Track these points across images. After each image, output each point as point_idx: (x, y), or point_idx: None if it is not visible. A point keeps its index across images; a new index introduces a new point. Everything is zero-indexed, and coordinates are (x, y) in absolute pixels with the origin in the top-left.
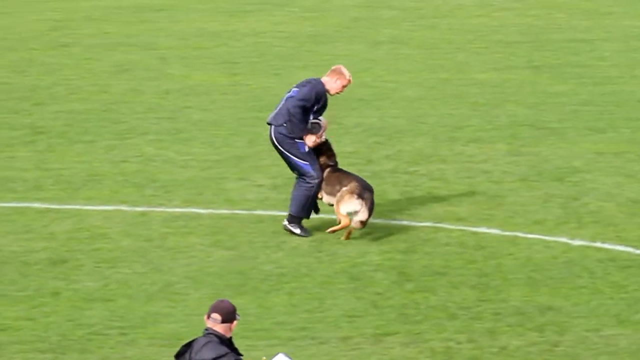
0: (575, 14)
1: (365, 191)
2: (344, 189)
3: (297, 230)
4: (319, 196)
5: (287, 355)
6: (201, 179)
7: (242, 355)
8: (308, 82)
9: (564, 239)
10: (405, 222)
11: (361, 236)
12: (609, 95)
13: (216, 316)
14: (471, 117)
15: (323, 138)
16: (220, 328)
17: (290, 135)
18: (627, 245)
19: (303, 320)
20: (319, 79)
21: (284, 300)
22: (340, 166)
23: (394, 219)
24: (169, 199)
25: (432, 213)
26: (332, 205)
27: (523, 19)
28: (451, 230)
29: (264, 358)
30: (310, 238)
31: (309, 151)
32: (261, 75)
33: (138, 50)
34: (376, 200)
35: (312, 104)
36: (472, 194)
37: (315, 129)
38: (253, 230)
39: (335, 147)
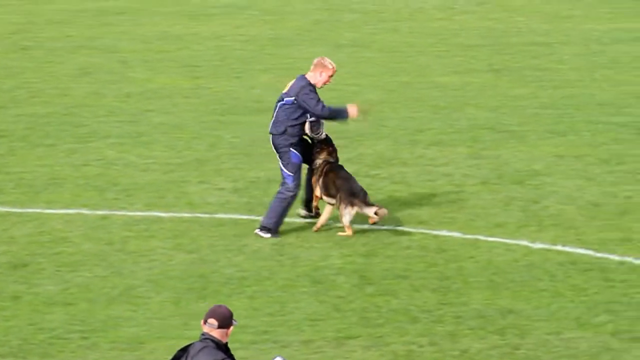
0: (535, 17)
1: (353, 198)
2: (338, 201)
3: (267, 235)
4: (318, 195)
5: (284, 358)
6: (162, 183)
7: None
8: (295, 83)
9: (524, 242)
10: (366, 226)
11: (323, 240)
12: (569, 99)
13: (213, 321)
14: (432, 120)
15: (323, 135)
16: (216, 333)
17: (288, 143)
18: (587, 248)
19: (265, 324)
20: (302, 75)
21: (246, 303)
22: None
23: (356, 223)
24: (131, 202)
25: (393, 216)
26: (332, 204)
27: (483, 23)
28: (412, 234)
29: None
30: (271, 241)
31: (297, 164)
32: (223, 79)
33: (100, 53)
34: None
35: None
36: (433, 197)
37: (315, 127)
38: (214, 233)
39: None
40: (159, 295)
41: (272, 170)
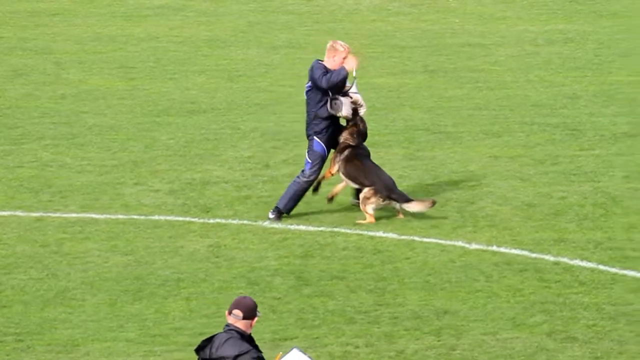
0: (469, 18)
1: (389, 191)
2: (368, 189)
3: (271, 215)
4: (332, 171)
5: (300, 349)
6: (98, 184)
7: (261, 352)
8: (311, 68)
9: (460, 243)
10: (303, 227)
11: (259, 241)
12: (503, 100)
13: (238, 312)
14: (368, 121)
15: (342, 113)
16: (241, 324)
17: (313, 131)
18: (522, 249)
19: (201, 326)
20: (317, 60)
21: (182, 305)
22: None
23: (292, 224)
24: (65, 204)
25: (330, 217)
26: (351, 185)
27: (418, 24)
28: (349, 235)
29: (280, 353)
30: (207, 243)
31: (318, 152)
32: (158, 80)
33: (33, 54)
34: (274, 205)
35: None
36: None
37: (334, 103)
38: (150, 235)
39: (235, 152)
40: (94, 297)
41: (207, 172)
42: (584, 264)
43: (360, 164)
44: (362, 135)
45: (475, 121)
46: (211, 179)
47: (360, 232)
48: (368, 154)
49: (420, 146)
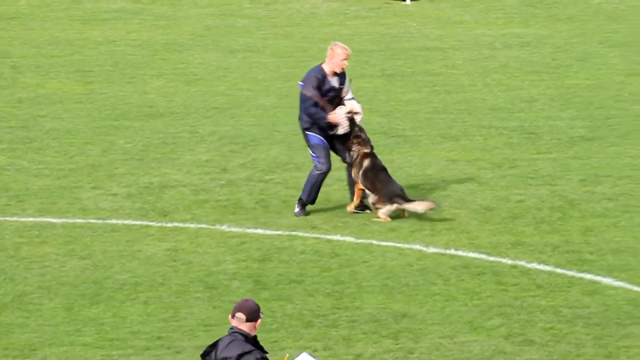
0: (427, 22)
1: (393, 197)
2: (373, 195)
3: (297, 209)
4: (360, 186)
5: (310, 353)
6: (55, 188)
7: (267, 352)
8: (307, 73)
9: (418, 246)
10: (260, 231)
11: (216, 245)
12: (461, 103)
13: (241, 315)
14: None
15: (340, 131)
16: (245, 327)
17: (303, 127)
18: (480, 252)
19: (158, 330)
20: (319, 64)
21: (139, 309)
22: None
23: (250, 228)
24: (22, 208)
25: (287, 221)
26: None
27: (376, 28)
28: (306, 238)
29: (287, 356)
30: (165, 247)
31: (317, 144)
32: (116, 84)
33: None
34: (232, 209)
35: (316, 94)
36: (327, 201)
37: (331, 126)
38: (107, 239)
39: (193, 155)
40: (52, 301)
41: (165, 176)
42: (541, 267)
43: (372, 175)
44: (367, 141)
45: (433, 125)
46: (169, 183)
47: (318, 235)
48: (383, 167)
49: (378, 150)
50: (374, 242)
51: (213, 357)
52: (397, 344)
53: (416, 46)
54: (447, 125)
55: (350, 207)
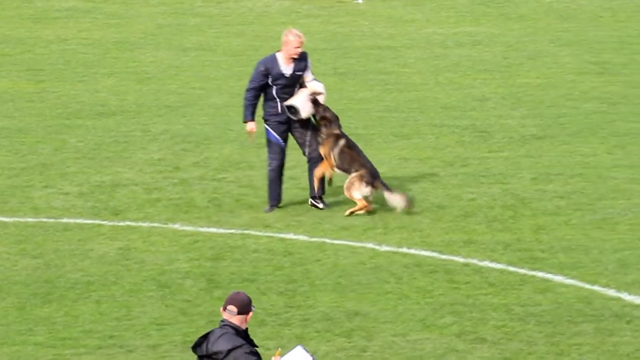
0: (378, 21)
1: (374, 179)
2: (354, 174)
3: (266, 208)
4: (332, 163)
5: (305, 348)
6: (6, 187)
7: (257, 346)
8: (258, 63)
9: (370, 245)
10: (213, 229)
11: (169, 244)
12: (413, 102)
13: (232, 308)
14: None
15: (302, 116)
16: (236, 320)
17: (263, 118)
18: (432, 251)
19: (111, 329)
20: (274, 53)
21: (92, 308)
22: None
23: (203, 226)
24: None
25: (240, 220)
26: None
27: (328, 26)
28: (259, 237)
29: (279, 350)
30: (117, 245)
31: (271, 141)
32: (67, 82)
33: None
34: (184, 208)
35: (260, 81)
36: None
37: (292, 111)
38: (59, 238)
39: (145, 154)
40: (3, 301)
41: (117, 174)
42: (493, 265)
43: (350, 152)
44: (336, 120)
45: (385, 123)
46: (121, 182)
47: (271, 234)
48: (354, 144)
49: None
50: (327, 240)
51: (204, 349)
52: (350, 342)
53: (368, 45)
54: (399, 124)
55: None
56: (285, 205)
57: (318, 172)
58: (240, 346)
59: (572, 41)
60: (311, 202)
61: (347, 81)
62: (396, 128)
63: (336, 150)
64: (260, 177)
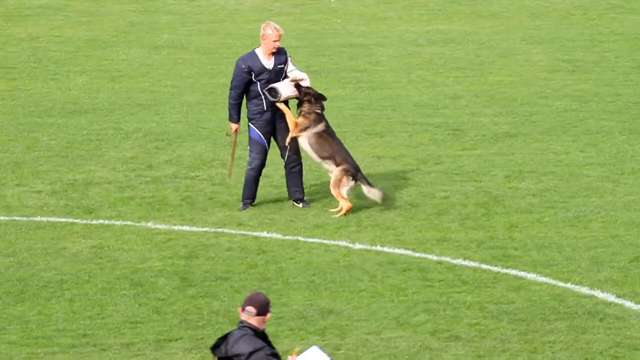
0: (351, 19)
1: (356, 171)
2: (338, 169)
3: (240, 205)
4: (295, 134)
5: (321, 347)
6: None
7: (275, 348)
8: (237, 61)
9: (344, 243)
10: (186, 228)
11: (142, 242)
12: (386, 100)
13: (251, 309)
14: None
15: (282, 97)
16: (254, 320)
17: (247, 117)
18: (405, 249)
19: (84, 327)
20: (253, 49)
21: (65, 307)
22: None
23: (176, 225)
24: None
25: (213, 218)
26: (312, 156)
27: (300, 24)
28: (233, 235)
29: (297, 349)
30: (90, 244)
31: (254, 139)
32: (39, 80)
33: None
34: (157, 206)
35: (244, 79)
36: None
37: (273, 93)
38: (32, 236)
39: (118, 152)
40: None
41: (90, 172)
42: (467, 263)
43: (330, 139)
44: (320, 97)
45: (358, 121)
46: (94, 180)
47: (245, 232)
48: (334, 134)
49: None
50: (301, 238)
51: (223, 351)
52: (323, 340)
53: (340, 42)
54: (372, 122)
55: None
56: (259, 204)
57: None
58: (261, 348)
59: (544, 39)
60: (293, 203)
61: (319, 79)
62: (369, 126)
63: (314, 131)
64: (233, 175)
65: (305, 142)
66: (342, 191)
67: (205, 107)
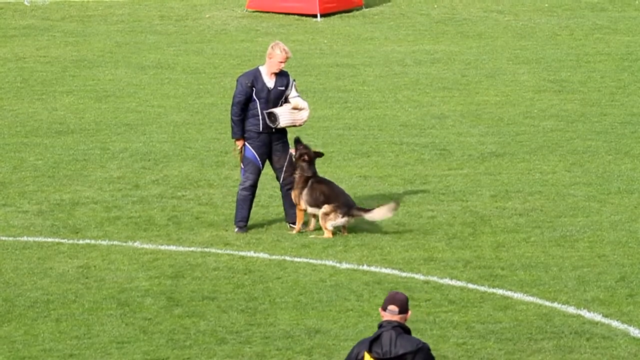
0: (337, 39)
1: (350, 209)
2: (329, 205)
3: (235, 229)
4: (302, 207)
5: None
6: None
7: None
8: (240, 78)
9: (331, 262)
10: (173, 247)
11: (129, 262)
12: (372, 120)
13: (394, 308)
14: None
15: (279, 124)
16: (398, 319)
17: (246, 137)
18: (392, 268)
19: (71, 347)
20: (257, 66)
21: (52, 327)
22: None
23: (162, 244)
24: None
25: (200, 238)
26: (315, 215)
27: (286, 44)
28: (220, 255)
29: None
30: (77, 264)
31: (248, 158)
32: (25, 100)
33: None
34: (144, 226)
35: (246, 94)
36: None
37: (272, 118)
38: (19, 256)
39: (104, 172)
40: None
41: (76, 193)
42: (454, 282)
43: (320, 189)
44: (312, 162)
45: (344, 141)
46: (80, 200)
47: (231, 252)
48: (325, 180)
49: None
50: (287, 258)
51: (380, 353)
52: None
53: (327, 62)
54: (359, 142)
55: (295, 231)
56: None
57: (298, 225)
58: (423, 344)
59: (530, 59)
60: (289, 225)
61: (306, 99)
62: (356, 146)
63: (306, 190)
64: (220, 195)
65: (302, 202)
66: (328, 224)
67: (192, 127)
